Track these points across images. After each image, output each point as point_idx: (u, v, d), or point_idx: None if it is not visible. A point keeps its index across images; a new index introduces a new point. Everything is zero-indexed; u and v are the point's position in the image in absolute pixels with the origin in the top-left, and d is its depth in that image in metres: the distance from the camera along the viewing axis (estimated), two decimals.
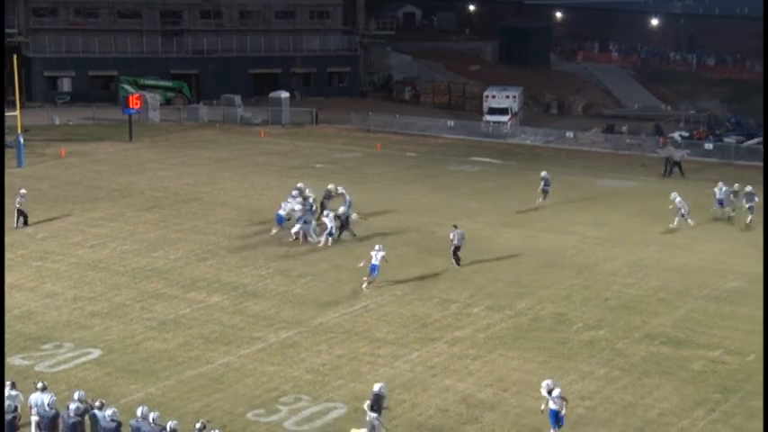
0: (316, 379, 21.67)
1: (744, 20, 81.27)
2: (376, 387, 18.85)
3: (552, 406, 18.73)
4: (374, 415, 18.41)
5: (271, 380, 21.60)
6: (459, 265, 30.34)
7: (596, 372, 21.99)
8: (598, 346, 23.65)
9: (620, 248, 32.79)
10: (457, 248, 30.45)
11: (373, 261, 27.90)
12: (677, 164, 46.62)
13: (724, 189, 37.36)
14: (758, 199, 36.38)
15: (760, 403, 19.79)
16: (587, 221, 36.97)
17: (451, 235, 30.67)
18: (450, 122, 62.63)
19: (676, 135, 58.17)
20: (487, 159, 51.45)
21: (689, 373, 21.84)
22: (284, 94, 65.87)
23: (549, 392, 18.80)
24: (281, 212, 33.93)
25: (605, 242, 33.78)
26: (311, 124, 64.00)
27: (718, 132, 60.07)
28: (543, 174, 39.72)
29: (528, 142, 58.54)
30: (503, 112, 64.53)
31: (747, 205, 36.12)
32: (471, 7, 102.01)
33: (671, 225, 35.63)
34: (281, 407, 20.27)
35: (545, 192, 39.49)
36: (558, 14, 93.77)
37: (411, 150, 53.67)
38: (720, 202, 37.27)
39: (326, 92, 76.01)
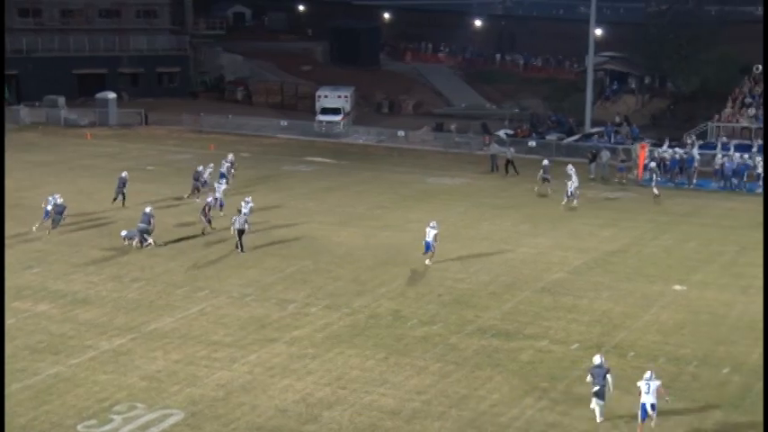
0: (151, 386, 21.20)
1: (560, 22, 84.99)
2: None
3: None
4: None
5: (103, 389, 20.96)
6: (242, 251, 31.57)
7: (431, 366, 22.52)
8: (432, 341, 24.23)
9: (453, 244, 33.65)
10: (241, 232, 31.60)
11: (426, 238, 30.05)
12: (510, 162, 48.18)
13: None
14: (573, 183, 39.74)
15: (584, 389, 20.83)
16: (421, 219, 37.75)
17: (233, 219, 32.01)
18: (284, 122, 62.59)
19: (501, 133, 60.28)
20: (322, 159, 51.75)
21: (518, 364, 22.68)
22: (111, 95, 64.00)
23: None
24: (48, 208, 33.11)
25: (438, 238, 34.57)
26: (140, 126, 62.42)
27: (540, 130, 62.60)
28: (545, 162, 42.79)
29: (361, 141, 59.25)
30: (335, 111, 64.96)
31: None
32: (301, 8, 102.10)
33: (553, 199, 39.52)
34: (114, 416, 19.71)
35: (545, 180, 42.13)
36: (387, 15, 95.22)
37: (245, 151, 53.26)
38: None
39: (156, 92, 74.28)
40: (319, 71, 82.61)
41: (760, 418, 19.52)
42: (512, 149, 50.19)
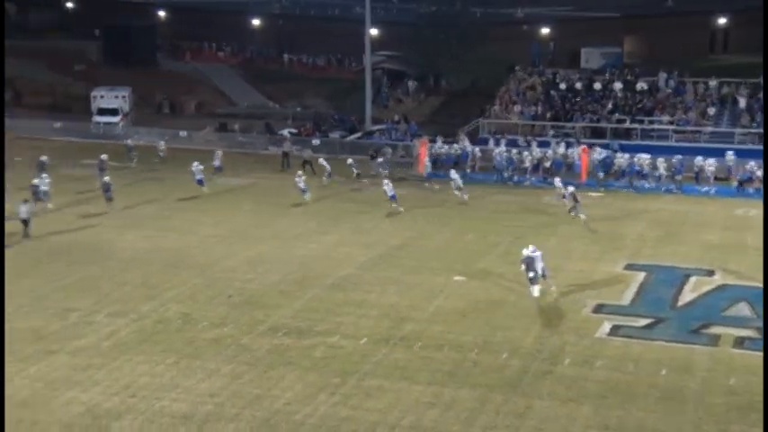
0: None
1: (337, 21, 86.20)
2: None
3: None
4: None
5: None
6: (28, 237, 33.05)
7: (223, 369, 22.34)
8: (224, 343, 24.03)
9: (240, 245, 33.52)
10: (25, 222, 33.02)
11: (533, 269, 27.26)
12: (308, 162, 48.33)
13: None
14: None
15: (375, 382, 21.41)
16: (207, 220, 37.33)
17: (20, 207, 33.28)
18: (58, 124, 59.88)
19: (285, 132, 60.55)
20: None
21: (311, 361, 22.91)
22: None
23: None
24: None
25: (225, 239, 34.37)
26: None
27: (323, 128, 63.38)
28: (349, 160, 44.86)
29: (142, 143, 57.61)
30: (113, 112, 62.88)
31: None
32: (70, 4, 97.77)
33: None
34: None
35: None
36: (162, 13, 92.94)
37: (17, 155, 50.45)
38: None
39: None
40: (93, 71, 79.44)
41: (536, 399, 20.75)
42: (309, 150, 50.84)
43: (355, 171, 45.90)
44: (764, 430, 18.55)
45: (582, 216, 36.72)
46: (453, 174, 42.49)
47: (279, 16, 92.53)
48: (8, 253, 31.76)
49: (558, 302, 27.28)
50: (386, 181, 40.54)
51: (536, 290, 27.22)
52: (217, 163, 46.74)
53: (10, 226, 34.16)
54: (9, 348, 23.13)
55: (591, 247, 33.85)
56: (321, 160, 46.64)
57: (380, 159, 48.22)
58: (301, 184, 41.35)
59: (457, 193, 41.54)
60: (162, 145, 50.94)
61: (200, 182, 42.72)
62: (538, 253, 27.15)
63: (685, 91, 55.94)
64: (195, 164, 43.50)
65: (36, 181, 39.28)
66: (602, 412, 20.17)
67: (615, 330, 25.13)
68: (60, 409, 20.04)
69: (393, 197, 39.38)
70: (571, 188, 37.98)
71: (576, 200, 37.13)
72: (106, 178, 40.15)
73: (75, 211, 38.48)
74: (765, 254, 30.99)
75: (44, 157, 43.91)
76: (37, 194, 38.27)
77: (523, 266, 27.26)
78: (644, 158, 46.13)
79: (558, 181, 41.50)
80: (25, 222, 33.62)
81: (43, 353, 23.06)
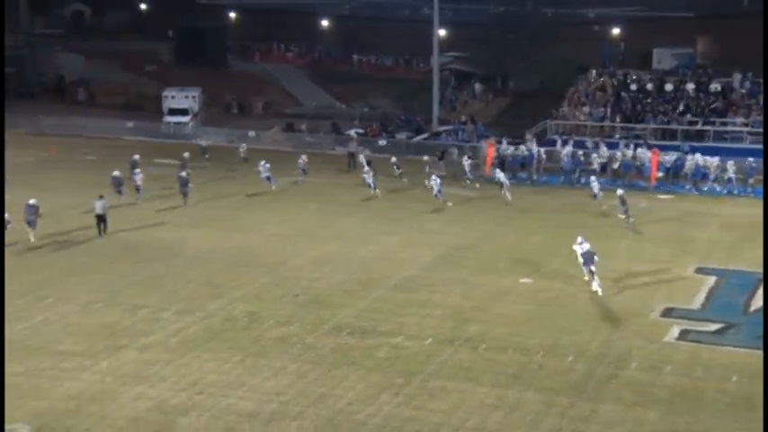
0: None
1: (406, 22, 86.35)
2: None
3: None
4: None
5: None
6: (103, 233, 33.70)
7: (288, 367, 22.48)
8: (289, 341, 24.19)
9: (306, 244, 33.74)
10: (100, 217, 33.90)
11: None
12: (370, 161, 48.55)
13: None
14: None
15: (439, 383, 21.35)
16: (273, 219, 37.68)
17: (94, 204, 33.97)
18: (130, 124, 61.01)
19: (352, 132, 60.81)
20: (171, 161, 50.59)
21: (374, 361, 22.93)
22: None
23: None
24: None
25: (291, 239, 34.63)
26: None
27: (390, 129, 63.47)
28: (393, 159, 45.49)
29: (211, 143, 58.34)
30: (183, 112, 63.85)
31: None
32: (143, 6, 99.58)
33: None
34: None
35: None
36: (233, 15, 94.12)
37: (90, 153, 51.59)
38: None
39: None
40: (165, 71, 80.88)
41: (601, 403, 20.48)
42: (367, 150, 51.12)
43: (398, 170, 45.77)
44: (765, 430, 18.46)
45: (630, 220, 36.33)
46: (499, 173, 42.50)
47: (347, 17, 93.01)
48: (84, 248, 32.58)
49: (626, 306, 26.88)
50: (434, 176, 41.02)
51: (596, 284, 27.55)
52: (302, 165, 46.96)
53: (86, 219, 34.98)
54: (82, 343, 23.71)
55: (661, 250, 33.29)
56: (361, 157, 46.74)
57: (428, 158, 48.28)
58: (369, 180, 42.04)
59: (507, 194, 41.43)
60: (243, 146, 51.07)
61: (267, 179, 43.22)
62: (587, 244, 28.05)
63: (760, 92, 54.62)
64: (262, 162, 43.97)
65: (117, 173, 40.66)
66: (670, 418, 19.81)
67: (684, 335, 24.67)
68: (129, 404, 20.38)
69: (439, 192, 40.01)
70: (620, 191, 37.68)
71: (623, 202, 36.68)
72: (184, 173, 41.22)
73: (145, 209, 39.14)
74: (765, 254, 30.50)
75: (136, 156, 45.14)
76: (118, 187, 39.89)
77: (582, 260, 27.91)
78: (711, 161, 45.21)
79: (593, 180, 41.58)
80: (101, 218, 34.39)
81: (113, 348, 23.49)
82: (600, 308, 26.72)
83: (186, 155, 46.50)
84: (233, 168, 49.16)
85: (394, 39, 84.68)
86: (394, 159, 46.68)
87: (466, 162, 45.82)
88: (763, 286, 28.08)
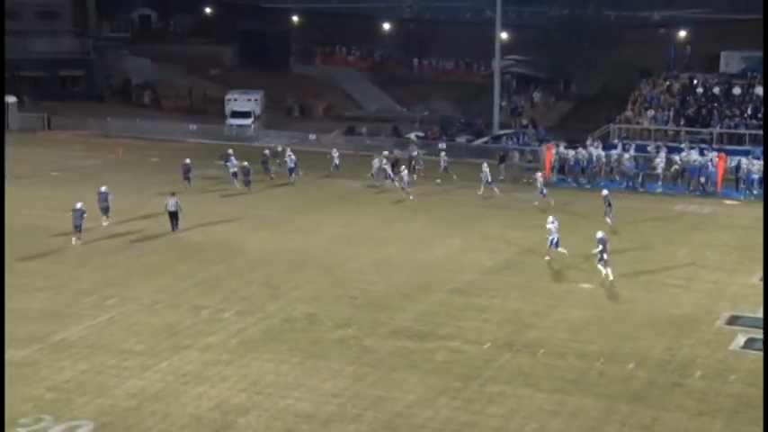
0: (59, 397, 20.73)
1: (467, 25, 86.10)
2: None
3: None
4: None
5: (8, 401, 20.37)
6: (176, 228, 34.84)
7: (346, 369, 22.57)
8: (347, 343, 24.28)
9: (365, 247, 33.81)
10: (173, 214, 34.81)
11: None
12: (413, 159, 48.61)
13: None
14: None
15: (497, 388, 21.22)
16: (333, 222, 37.85)
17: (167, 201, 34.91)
18: (193, 126, 61.84)
19: (412, 135, 60.78)
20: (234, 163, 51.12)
21: (432, 365, 22.90)
22: (11, 99, 62.22)
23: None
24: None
25: (350, 241, 34.75)
26: (43, 130, 60.86)
27: (449, 132, 63.29)
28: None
29: (272, 145, 58.82)
30: (246, 115, 64.47)
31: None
32: (208, 10, 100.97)
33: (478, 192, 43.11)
34: (20, 429, 19.20)
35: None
36: (295, 18, 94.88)
37: (155, 156, 52.43)
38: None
39: (61, 96, 72.41)
40: (228, 75, 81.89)
41: (664, 411, 20.17)
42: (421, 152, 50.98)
43: (443, 164, 46.71)
44: (765, 430, 18.36)
45: (608, 220, 36.06)
46: (539, 176, 42.41)
47: (408, 20, 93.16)
48: (148, 248, 33.00)
49: (689, 313, 26.44)
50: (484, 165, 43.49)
51: (609, 272, 28.69)
52: (335, 160, 47.92)
53: (150, 221, 35.48)
54: (145, 342, 24.10)
55: (725, 257, 32.68)
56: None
57: (507, 164, 48.15)
58: (405, 178, 42.66)
59: (548, 199, 40.90)
60: (335, 152, 49.22)
61: (335, 166, 46.34)
62: (556, 223, 30.93)
63: None
64: (288, 153, 46.20)
65: (187, 160, 43.37)
66: (736, 427, 19.44)
67: (750, 344, 24.19)
68: (191, 403, 20.66)
69: (488, 183, 42.95)
70: (605, 191, 37.48)
71: (608, 203, 36.49)
72: (245, 163, 43.84)
73: (209, 210, 39.53)
74: (765, 254, 30.01)
75: (230, 151, 46.47)
76: (186, 174, 42.90)
77: (600, 247, 29.00)
78: None
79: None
80: (173, 215, 35.13)
81: (176, 348, 23.83)
82: (662, 314, 26.31)
83: (230, 151, 46.64)
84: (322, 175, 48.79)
85: (454, 42, 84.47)
86: (443, 152, 48.64)
87: (538, 176, 44.46)
88: (763, 286, 27.51)
